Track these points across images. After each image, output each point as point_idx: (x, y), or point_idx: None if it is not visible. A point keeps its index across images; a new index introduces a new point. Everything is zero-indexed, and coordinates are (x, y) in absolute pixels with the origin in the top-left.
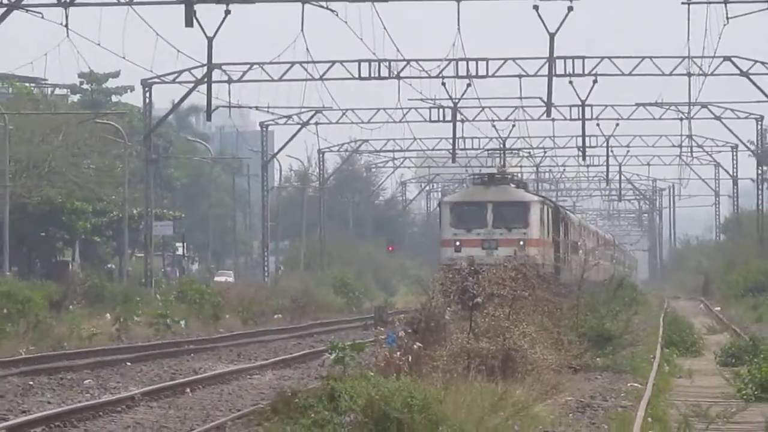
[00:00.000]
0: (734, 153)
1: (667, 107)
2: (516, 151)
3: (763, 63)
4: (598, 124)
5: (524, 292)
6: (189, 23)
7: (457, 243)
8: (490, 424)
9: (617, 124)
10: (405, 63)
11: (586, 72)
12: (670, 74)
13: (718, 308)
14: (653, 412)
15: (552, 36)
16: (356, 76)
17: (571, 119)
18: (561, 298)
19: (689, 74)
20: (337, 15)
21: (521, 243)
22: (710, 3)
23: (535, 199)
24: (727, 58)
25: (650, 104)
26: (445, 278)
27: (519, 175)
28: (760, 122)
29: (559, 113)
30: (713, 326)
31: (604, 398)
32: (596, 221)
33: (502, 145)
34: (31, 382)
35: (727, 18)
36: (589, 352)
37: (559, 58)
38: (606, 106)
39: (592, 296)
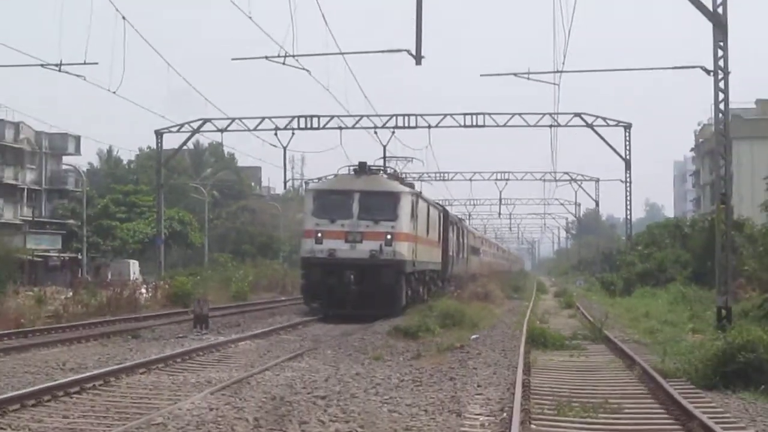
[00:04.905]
0: (559, 230)
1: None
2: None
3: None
4: (513, 219)
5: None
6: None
7: (319, 234)
8: (481, 315)
9: (521, 220)
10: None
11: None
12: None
13: (554, 279)
14: (532, 312)
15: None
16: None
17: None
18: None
19: (555, 180)
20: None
21: (389, 237)
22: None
23: (407, 191)
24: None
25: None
26: None
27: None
28: (576, 216)
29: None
30: (552, 284)
31: (518, 307)
32: (509, 247)
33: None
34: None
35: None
36: (513, 293)
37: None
38: (520, 216)
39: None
